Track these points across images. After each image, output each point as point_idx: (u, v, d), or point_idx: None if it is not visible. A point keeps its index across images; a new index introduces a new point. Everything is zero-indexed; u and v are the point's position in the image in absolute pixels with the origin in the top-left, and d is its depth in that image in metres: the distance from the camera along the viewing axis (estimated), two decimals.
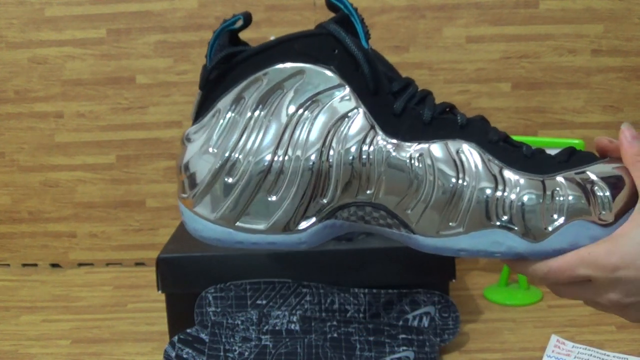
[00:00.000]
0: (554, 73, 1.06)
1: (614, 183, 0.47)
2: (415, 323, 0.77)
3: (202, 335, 0.73)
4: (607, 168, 0.48)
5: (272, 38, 0.52)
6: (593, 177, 0.47)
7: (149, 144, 1.10)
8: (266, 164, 0.49)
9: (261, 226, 0.50)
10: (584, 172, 0.47)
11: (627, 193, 0.47)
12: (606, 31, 1.05)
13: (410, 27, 1.05)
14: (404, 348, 0.72)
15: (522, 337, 0.82)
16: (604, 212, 0.46)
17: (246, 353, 0.73)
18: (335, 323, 0.74)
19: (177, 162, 0.52)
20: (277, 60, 0.49)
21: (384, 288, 0.78)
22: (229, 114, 0.50)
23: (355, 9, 0.50)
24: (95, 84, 1.08)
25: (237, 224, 0.50)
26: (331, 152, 0.49)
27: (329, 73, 0.49)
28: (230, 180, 0.49)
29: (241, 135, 0.49)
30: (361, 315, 0.77)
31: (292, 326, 0.74)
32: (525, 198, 0.47)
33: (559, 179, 0.47)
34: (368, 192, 0.49)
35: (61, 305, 0.97)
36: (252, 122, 0.49)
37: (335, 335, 0.74)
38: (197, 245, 0.83)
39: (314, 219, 0.50)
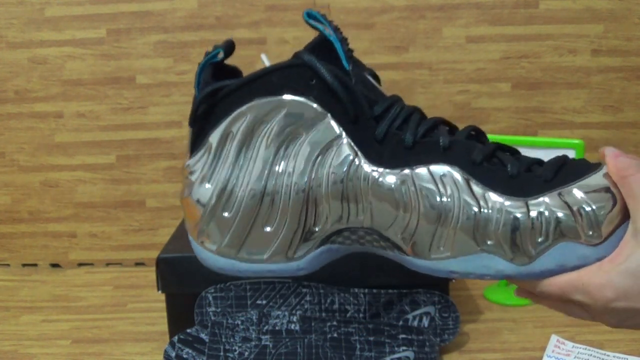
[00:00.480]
0: (554, 73, 1.06)
1: (603, 199, 0.45)
2: (415, 323, 0.77)
3: (202, 335, 0.73)
4: (597, 180, 0.46)
5: (262, 57, 0.52)
6: (579, 194, 0.45)
7: (149, 144, 1.10)
8: (257, 197, 0.50)
9: (261, 256, 0.51)
10: (570, 189, 0.46)
11: (617, 209, 0.45)
12: (606, 31, 1.05)
13: (410, 27, 1.05)
14: (404, 348, 0.72)
15: (522, 337, 0.82)
16: (590, 232, 0.45)
17: (246, 353, 0.73)
18: (335, 323, 0.74)
19: (180, 193, 0.53)
20: (257, 94, 0.50)
21: (384, 288, 0.78)
22: (220, 149, 0.51)
23: (335, 28, 0.50)
24: (95, 84, 1.08)
25: (239, 254, 0.51)
26: (318, 182, 0.49)
27: (309, 103, 0.49)
28: (226, 214, 0.50)
29: (232, 170, 0.50)
30: (361, 315, 0.77)
31: (292, 326, 0.74)
32: (509, 222, 0.46)
33: (544, 199, 0.46)
34: (359, 218, 0.50)
35: (61, 305, 0.97)
36: (241, 156, 0.50)
37: (335, 335, 0.74)
38: None
39: (310, 246, 0.51)
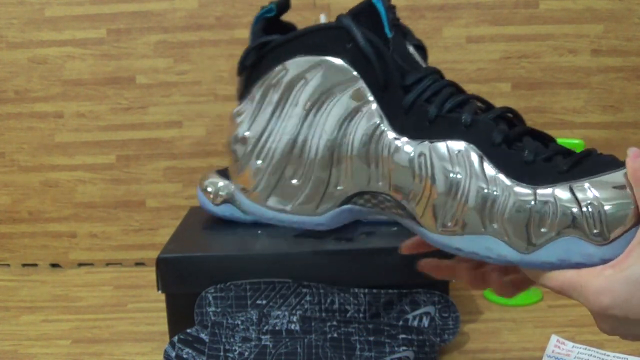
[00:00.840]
0: (554, 73, 1.06)
1: (616, 198, 0.44)
2: (415, 323, 0.77)
3: (202, 335, 0.73)
4: (615, 179, 0.44)
5: (322, 17, 0.54)
6: (591, 190, 0.44)
7: (149, 144, 1.10)
8: (287, 150, 0.52)
9: (286, 207, 0.53)
10: (582, 184, 0.45)
11: (632, 212, 0.44)
12: (606, 31, 1.05)
13: (410, 27, 1.05)
14: (404, 348, 0.72)
15: (522, 337, 0.82)
16: (596, 231, 0.44)
17: (246, 353, 0.73)
18: (335, 323, 0.74)
19: (227, 136, 0.57)
20: (298, 52, 0.52)
21: (384, 288, 0.78)
22: (262, 100, 0.53)
23: None
24: (95, 84, 1.08)
25: (267, 203, 0.54)
26: (344, 144, 0.51)
27: (344, 66, 0.51)
28: (259, 162, 0.53)
29: (269, 122, 0.53)
30: (361, 315, 0.77)
31: (292, 326, 0.74)
32: (515, 208, 0.46)
33: (553, 190, 0.45)
34: (378, 183, 0.51)
35: (61, 305, 0.97)
36: (278, 110, 0.52)
37: (335, 335, 0.74)
38: (197, 245, 0.83)
39: (332, 204, 0.52)
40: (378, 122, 0.50)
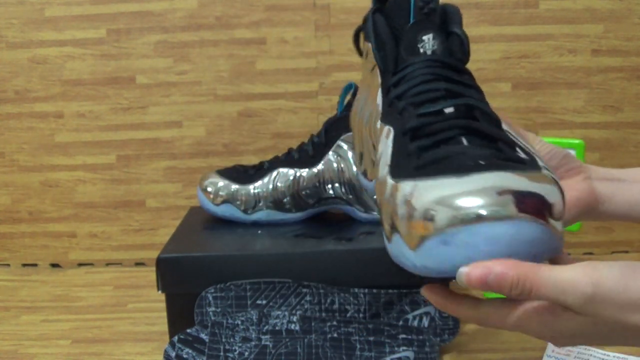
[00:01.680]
0: (554, 73, 1.06)
1: (424, 205, 0.41)
2: (415, 323, 0.77)
3: (202, 335, 0.73)
4: (447, 184, 0.40)
5: None
6: (413, 192, 0.42)
7: (149, 144, 1.10)
8: (357, 123, 0.61)
9: (360, 170, 0.61)
10: (414, 184, 0.42)
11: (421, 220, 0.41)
12: (606, 31, 1.05)
13: None
14: (404, 348, 0.72)
15: (522, 337, 0.82)
16: (403, 232, 0.42)
17: (246, 353, 0.73)
18: (335, 323, 0.74)
19: None
20: (366, 38, 0.58)
21: (384, 288, 0.78)
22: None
23: None
24: (95, 84, 1.08)
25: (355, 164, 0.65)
26: (365, 120, 0.58)
27: (375, 52, 0.56)
28: (351, 133, 0.66)
29: (359, 98, 0.63)
30: (361, 315, 0.77)
31: (292, 326, 0.74)
32: (380, 197, 0.47)
33: (395, 185, 0.44)
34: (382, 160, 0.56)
35: (61, 305, 0.97)
36: (362, 88, 0.62)
37: (335, 335, 0.74)
38: (197, 245, 0.83)
39: (373, 175, 0.57)
40: (378, 103, 0.55)
